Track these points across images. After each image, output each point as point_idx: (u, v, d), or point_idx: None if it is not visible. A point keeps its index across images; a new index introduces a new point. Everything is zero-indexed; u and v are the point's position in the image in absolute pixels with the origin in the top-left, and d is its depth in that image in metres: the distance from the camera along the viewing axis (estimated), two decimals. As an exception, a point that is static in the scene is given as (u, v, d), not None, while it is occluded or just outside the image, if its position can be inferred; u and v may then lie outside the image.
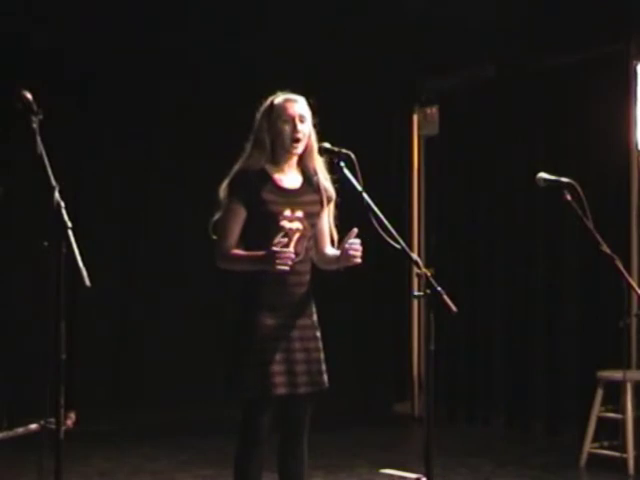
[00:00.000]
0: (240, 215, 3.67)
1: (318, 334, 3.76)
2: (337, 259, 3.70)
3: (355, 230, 3.59)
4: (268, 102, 3.75)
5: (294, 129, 3.66)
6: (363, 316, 8.31)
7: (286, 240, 3.60)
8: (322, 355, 3.75)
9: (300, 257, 3.64)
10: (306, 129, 3.69)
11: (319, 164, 3.75)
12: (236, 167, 3.72)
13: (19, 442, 4.60)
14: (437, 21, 7.49)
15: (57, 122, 7.00)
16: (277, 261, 3.47)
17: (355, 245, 3.57)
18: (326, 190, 3.77)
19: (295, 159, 3.75)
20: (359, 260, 3.60)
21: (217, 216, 3.72)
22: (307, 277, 3.74)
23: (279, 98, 3.73)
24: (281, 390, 3.59)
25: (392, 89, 8.17)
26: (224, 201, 3.69)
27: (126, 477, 5.90)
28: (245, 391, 3.60)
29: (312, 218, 3.73)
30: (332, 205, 3.83)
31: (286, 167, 3.73)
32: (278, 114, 3.68)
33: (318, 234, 3.80)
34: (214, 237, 3.72)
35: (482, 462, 6.25)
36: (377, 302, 8.38)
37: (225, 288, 5.94)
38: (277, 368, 3.59)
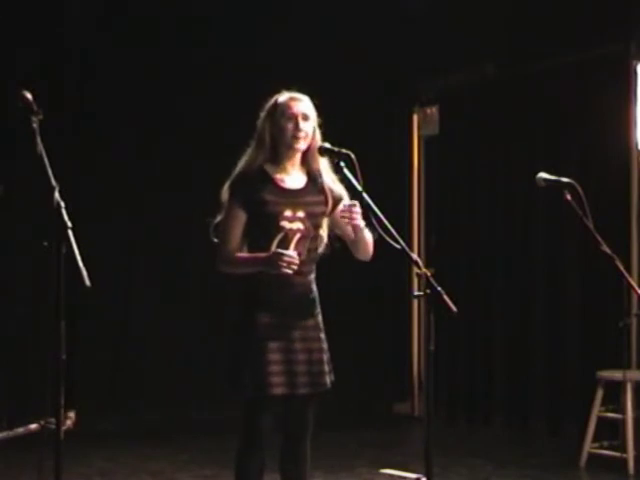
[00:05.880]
0: (240, 218, 3.65)
1: (322, 335, 3.72)
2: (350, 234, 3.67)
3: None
4: (272, 101, 3.73)
5: (296, 126, 3.63)
6: (363, 316, 8.30)
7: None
8: (326, 356, 3.72)
9: (302, 257, 3.61)
10: (309, 128, 3.66)
11: (324, 165, 3.72)
12: (238, 167, 3.71)
13: (19, 442, 4.58)
14: (437, 21, 7.49)
15: (58, 122, 7.02)
16: (281, 264, 3.47)
17: (347, 207, 3.52)
18: (332, 191, 3.73)
19: (299, 159, 3.72)
20: (358, 222, 3.53)
21: (219, 219, 3.70)
22: (310, 277, 3.71)
23: (283, 96, 3.71)
24: (278, 390, 3.57)
25: (392, 89, 8.17)
26: (225, 204, 3.68)
27: (126, 477, 5.90)
28: (243, 390, 3.59)
29: (315, 219, 3.69)
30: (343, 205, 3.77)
31: (289, 166, 3.70)
32: (281, 112, 3.66)
33: (342, 231, 3.74)
34: (215, 240, 3.70)
35: (482, 462, 6.25)
36: (377, 302, 8.37)
37: (225, 288, 5.93)
38: (275, 368, 3.57)
